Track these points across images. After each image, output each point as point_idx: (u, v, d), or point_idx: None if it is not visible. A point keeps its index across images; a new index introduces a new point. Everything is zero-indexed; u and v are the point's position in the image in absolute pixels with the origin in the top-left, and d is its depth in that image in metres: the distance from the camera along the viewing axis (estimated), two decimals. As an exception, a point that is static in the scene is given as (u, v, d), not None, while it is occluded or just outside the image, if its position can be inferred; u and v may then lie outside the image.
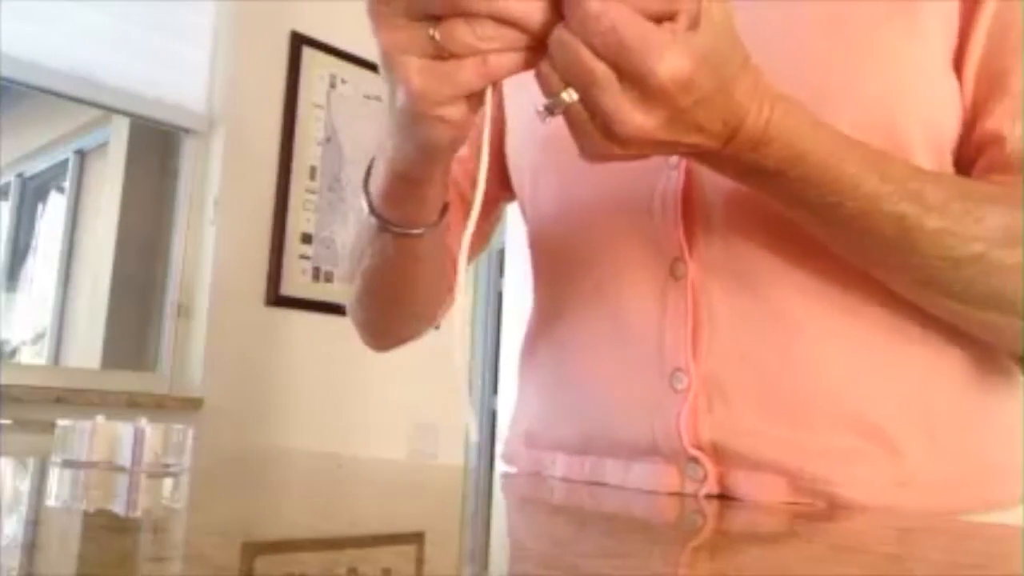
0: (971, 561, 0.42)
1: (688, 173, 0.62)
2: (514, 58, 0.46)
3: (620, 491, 0.62)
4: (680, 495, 0.61)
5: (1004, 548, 0.46)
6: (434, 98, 0.47)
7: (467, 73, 0.46)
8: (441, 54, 0.45)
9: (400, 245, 0.64)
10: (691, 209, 0.62)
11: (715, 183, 0.59)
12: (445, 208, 0.63)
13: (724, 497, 0.60)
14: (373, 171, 0.61)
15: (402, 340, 0.82)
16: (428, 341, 0.85)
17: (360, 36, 2.84)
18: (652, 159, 0.56)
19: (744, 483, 0.59)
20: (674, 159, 0.62)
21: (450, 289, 0.74)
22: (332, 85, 2.77)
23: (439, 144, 0.51)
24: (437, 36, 0.45)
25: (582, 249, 0.68)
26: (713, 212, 0.61)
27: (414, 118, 0.49)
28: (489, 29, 0.44)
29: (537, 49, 0.46)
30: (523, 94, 0.69)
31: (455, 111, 0.48)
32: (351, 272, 0.73)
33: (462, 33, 0.44)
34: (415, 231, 0.62)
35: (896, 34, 0.58)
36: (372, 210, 0.62)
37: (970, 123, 0.60)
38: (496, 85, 0.48)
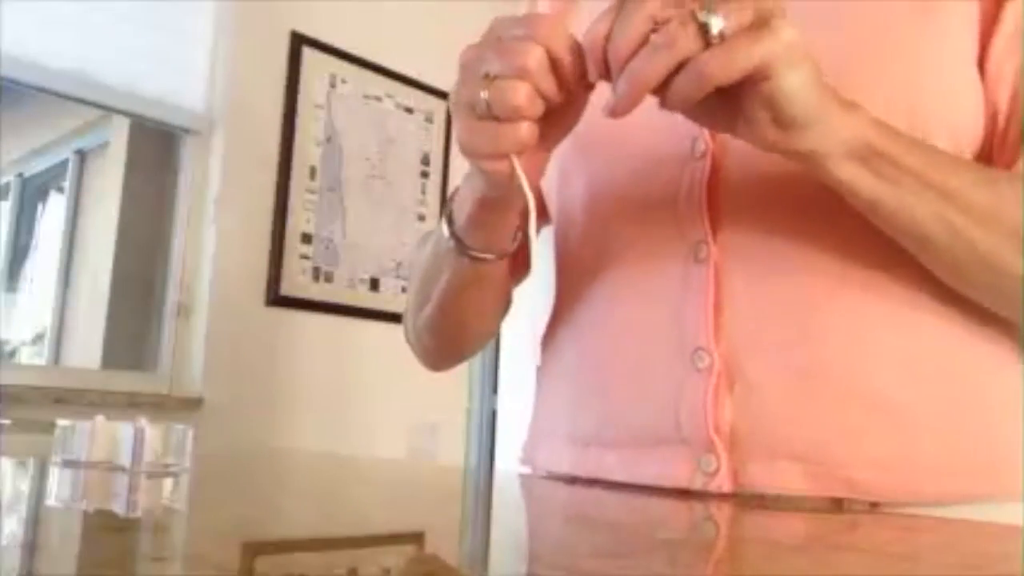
0: (971, 561, 0.42)
1: (715, 163, 0.63)
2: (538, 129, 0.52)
3: (624, 491, 0.62)
4: (686, 494, 0.60)
5: (1004, 548, 0.46)
6: (478, 152, 0.54)
7: (505, 137, 0.52)
8: (489, 114, 0.51)
9: (475, 270, 0.67)
10: (716, 196, 0.63)
11: (741, 172, 0.61)
12: (520, 236, 0.66)
13: (735, 496, 0.59)
14: (457, 198, 0.65)
15: (463, 359, 0.85)
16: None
17: (360, 36, 2.85)
18: (679, 149, 0.62)
19: (758, 474, 0.59)
20: (700, 149, 0.63)
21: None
22: (332, 85, 2.77)
23: (489, 188, 0.58)
24: (485, 96, 0.51)
25: (607, 239, 0.69)
26: (739, 199, 0.62)
27: (469, 163, 0.56)
28: (527, 96, 0.50)
29: (568, 122, 0.54)
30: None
31: (497, 165, 0.54)
32: (420, 299, 0.76)
33: (507, 98, 0.50)
34: (490, 256, 0.65)
35: (917, 32, 0.60)
36: (453, 234, 0.65)
37: (1001, 129, 0.61)
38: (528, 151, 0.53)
